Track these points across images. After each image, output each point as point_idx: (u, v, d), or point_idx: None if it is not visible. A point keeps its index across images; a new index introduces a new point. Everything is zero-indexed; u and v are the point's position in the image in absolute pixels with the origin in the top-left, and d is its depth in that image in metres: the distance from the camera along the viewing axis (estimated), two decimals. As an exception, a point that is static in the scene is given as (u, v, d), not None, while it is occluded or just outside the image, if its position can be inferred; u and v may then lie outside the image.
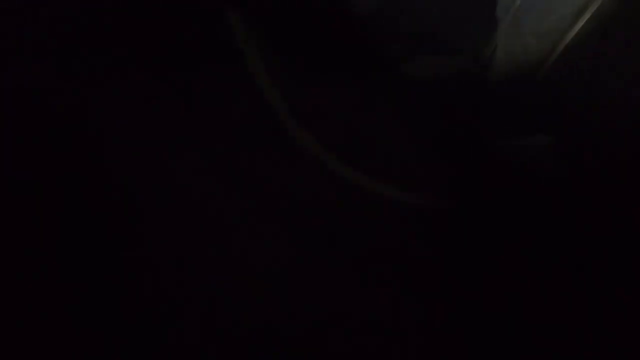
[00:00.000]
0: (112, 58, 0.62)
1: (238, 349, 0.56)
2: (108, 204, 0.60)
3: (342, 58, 0.62)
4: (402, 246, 0.57)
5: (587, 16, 0.46)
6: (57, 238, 0.58)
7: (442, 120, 0.58)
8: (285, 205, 0.62)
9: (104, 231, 0.59)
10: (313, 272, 0.59)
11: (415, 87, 0.56)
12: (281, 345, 0.56)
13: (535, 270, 0.54)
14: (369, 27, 0.56)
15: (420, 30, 0.55)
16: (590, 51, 0.47)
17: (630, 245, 0.50)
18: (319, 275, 0.59)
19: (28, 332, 0.54)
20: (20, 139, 0.59)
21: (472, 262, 0.55)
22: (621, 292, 0.52)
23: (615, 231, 0.51)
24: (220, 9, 0.63)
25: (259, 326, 0.57)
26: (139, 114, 0.62)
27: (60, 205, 0.59)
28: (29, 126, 0.59)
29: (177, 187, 0.62)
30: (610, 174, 0.50)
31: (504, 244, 0.54)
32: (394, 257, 0.57)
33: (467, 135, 0.55)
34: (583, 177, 0.51)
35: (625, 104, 0.47)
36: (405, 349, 0.55)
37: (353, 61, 0.61)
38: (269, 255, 0.60)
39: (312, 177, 0.62)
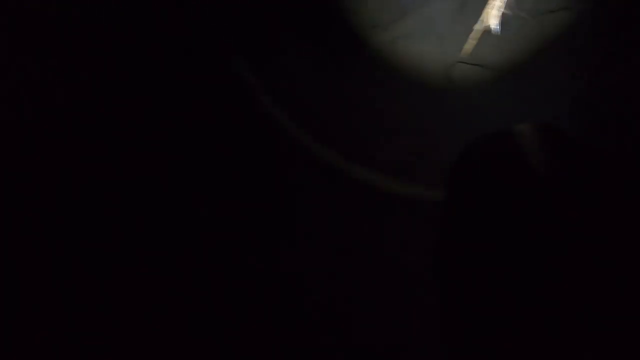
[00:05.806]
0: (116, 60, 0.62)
1: (242, 349, 0.56)
2: (109, 203, 0.60)
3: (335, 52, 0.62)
4: (402, 239, 0.58)
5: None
6: (57, 238, 0.58)
7: (436, 113, 0.59)
8: (285, 204, 0.62)
9: (105, 231, 0.59)
10: (315, 271, 0.59)
11: (411, 79, 0.57)
12: (286, 342, 0.56)
13: (533, 265, 0.54)
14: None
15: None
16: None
17: (628, 239, 0.51)
18: (321, 273, 0.59)
19: (27, 331, 0.54)
20: (21, 137, 0.59)
21: (472, 255, 0.55)
22: (621, 289, 0.52)
23: (609, 221, 0.51)
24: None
25: (266, 324, 0.57)
26: (139, 114, 0.62)
27: (61, 204, 0.59)
28: (29, 125, 0.59)
29: (177, 187, 0.62)
30: (596, 162, 0.51)
31: (501, 237, 0.55)
32: (394, 252, 0.57)
33: (461, 127, 0.56)
34: (571, 164, 0.51)
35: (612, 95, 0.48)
36: (406, 346, 0.55)
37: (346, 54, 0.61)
38: (269, 255, 0.60)
39: (313, 175, 0.62)
